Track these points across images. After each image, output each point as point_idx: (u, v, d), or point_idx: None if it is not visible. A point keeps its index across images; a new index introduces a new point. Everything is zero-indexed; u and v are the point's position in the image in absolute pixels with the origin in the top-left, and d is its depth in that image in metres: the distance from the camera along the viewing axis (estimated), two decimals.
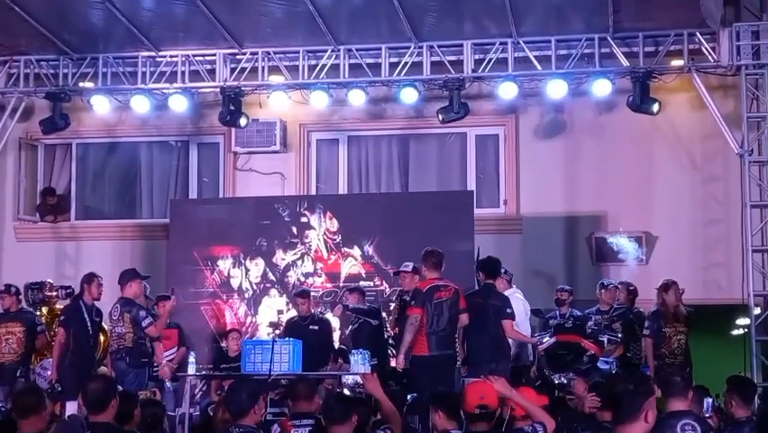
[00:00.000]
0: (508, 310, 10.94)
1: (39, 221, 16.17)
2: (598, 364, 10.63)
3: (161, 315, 11.99)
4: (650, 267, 14.16)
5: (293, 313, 13.51)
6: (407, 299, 11.61)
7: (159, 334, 11.79)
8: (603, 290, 12.61)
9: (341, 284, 13.98)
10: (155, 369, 12.72)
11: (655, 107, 13.71)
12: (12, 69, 14.97)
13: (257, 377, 10.23)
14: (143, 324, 11.47)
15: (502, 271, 11.84)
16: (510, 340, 11.15)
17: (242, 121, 14.61)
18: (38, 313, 12.98)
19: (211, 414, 9.93)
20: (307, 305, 12.81)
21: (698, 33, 13.62)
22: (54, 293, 13.21)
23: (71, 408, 7.09)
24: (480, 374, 9.01)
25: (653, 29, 13.69)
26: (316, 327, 12.64)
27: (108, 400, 7.11)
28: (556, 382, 10.30)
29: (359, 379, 9.28)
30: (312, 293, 13.43)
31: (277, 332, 13.31)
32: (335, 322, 13.39)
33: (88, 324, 11.55)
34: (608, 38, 13.74)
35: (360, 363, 10.61)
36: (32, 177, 16.37)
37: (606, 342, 11.43)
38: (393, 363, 11.27)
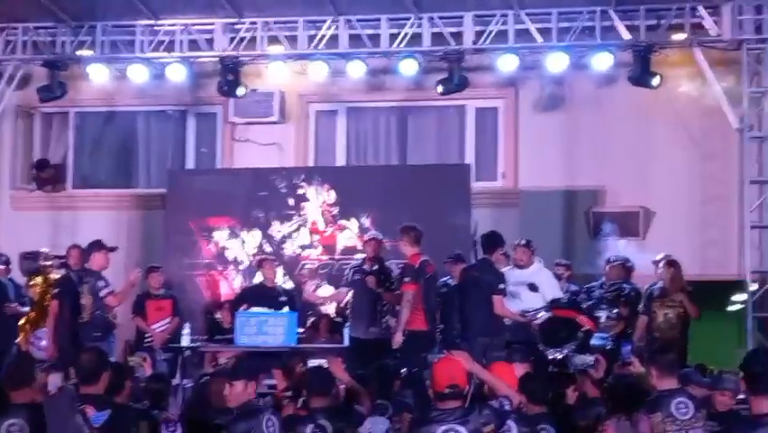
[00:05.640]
0: (501, 286, 10.89)
1: (35, 190, 16.12)
2: (593, 341, 10.59)
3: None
4: (647, 242, 14.12)
5: (290, 285, 13.55)
6: (367, 269, 11.78)
7: (118, 304, 11.67)
8: (608, 266, 12.58)
9: (337, 256, 13.95)
10: (147, 339, 12.75)
11: (655, 81, 13.63)
12: (9, 36, 14.85)
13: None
14: (101, 294, 11.37)
15: (522, 242, 11.79)
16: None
17: (240, 91, 14.54)
18: (31, 282, 12.96)
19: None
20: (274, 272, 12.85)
21: (700, 7, 13.52)
22: (49, 263, 13.16)
23: (55, 379, 7.06)
24: (474, 349, 9.04)
25: (654, 2, 13.58)
26: (285, 299, 12.55)
27: (99, 373, 7.12)
28: (550, 357, 10.26)
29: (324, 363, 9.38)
30: (308, 265, 13.42)
31: None
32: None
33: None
34: (610, 11, 13.64)
35: None
36: (29, 145, 16.29)
37: (603, 318, 11.37)
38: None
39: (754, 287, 13.11)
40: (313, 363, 10.51)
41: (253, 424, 6.98)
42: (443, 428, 6.34)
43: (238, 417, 7.05)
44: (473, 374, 6.99)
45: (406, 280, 11.07)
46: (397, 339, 10.98)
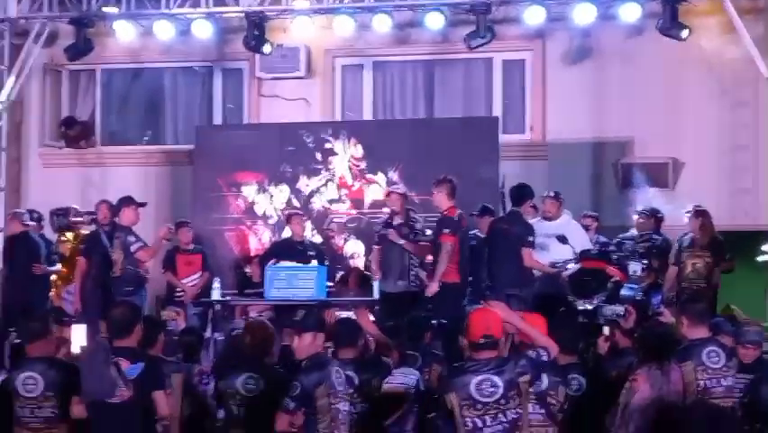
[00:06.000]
0: (530, 238, 10.89)
1: (64, 147, 16.20)
2: (623, 291, 10.57)
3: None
4: (676, 193, 14.08)
5: (318, 239, 13.62)
6: (391, 222, 11.83)
7: (149, 259, 11.72)
8: (638, 217, 12.57)
9: (365, 210, 13.98)
10: (178, 293, 12.84)
11: (684, 33, 13.47)
12: None
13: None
14: (132, 248, 11.40)
15: (551, 194, 11.79)
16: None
17: (267, 48, 14.46)
18: (62, 239, 13.06)
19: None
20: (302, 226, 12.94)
21: None
22: (79, 219, 13.26)
23: (78, 333, 7.10)
24: (503, 300, 9.02)
25: None
26: (313, 253, 12.59)
27: (132, 326, 7.19)
28: (580, 308, 10.27)
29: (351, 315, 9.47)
30: (336, 219, 13.44)
31: None
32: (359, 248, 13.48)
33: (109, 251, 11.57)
34: None
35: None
36: (57, 103, 16.37)
37: (638, 270, 11.34)
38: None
39: None
40: (341, 315, 10.63)
41: (324, 375, 7.06)
42: (479, 378, 6.28)
43: (308, 368, 7.10)
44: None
45: (446, 231, 11.09)
46: (433, 289, 11.04)
